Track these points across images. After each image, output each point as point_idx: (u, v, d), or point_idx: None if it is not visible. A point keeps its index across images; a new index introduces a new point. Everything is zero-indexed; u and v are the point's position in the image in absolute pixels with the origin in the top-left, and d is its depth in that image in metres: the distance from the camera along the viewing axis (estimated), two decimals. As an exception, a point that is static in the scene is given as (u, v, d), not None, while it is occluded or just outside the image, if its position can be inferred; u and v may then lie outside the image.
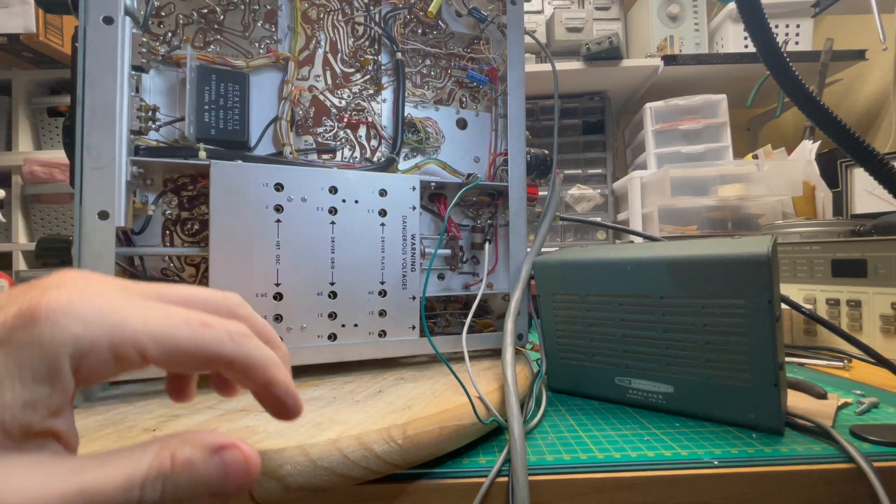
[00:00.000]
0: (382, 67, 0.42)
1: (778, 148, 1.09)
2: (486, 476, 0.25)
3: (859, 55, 1.16)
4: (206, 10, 0.36)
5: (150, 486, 0.14)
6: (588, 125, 1.33)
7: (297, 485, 0.22)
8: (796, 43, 1.22)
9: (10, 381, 0.13)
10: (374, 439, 0.24)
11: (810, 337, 0.57)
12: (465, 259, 0.44)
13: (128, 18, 0.31)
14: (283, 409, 0.18)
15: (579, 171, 1.30)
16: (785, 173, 0.95)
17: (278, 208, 0.34)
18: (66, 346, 0.13)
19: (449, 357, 0.43)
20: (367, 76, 0.41)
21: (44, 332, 0.13)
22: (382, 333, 0.38)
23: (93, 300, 0.14)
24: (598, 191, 1.27)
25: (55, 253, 0.36)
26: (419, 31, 0.44)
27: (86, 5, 0.30)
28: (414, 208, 0.39)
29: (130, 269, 0.34)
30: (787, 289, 0.61)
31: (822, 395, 0.35)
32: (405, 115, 0.42)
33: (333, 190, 0.36)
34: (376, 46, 0.42)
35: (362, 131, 0.41)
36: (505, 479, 0.25)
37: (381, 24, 0.41)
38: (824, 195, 0.99)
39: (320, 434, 0.24)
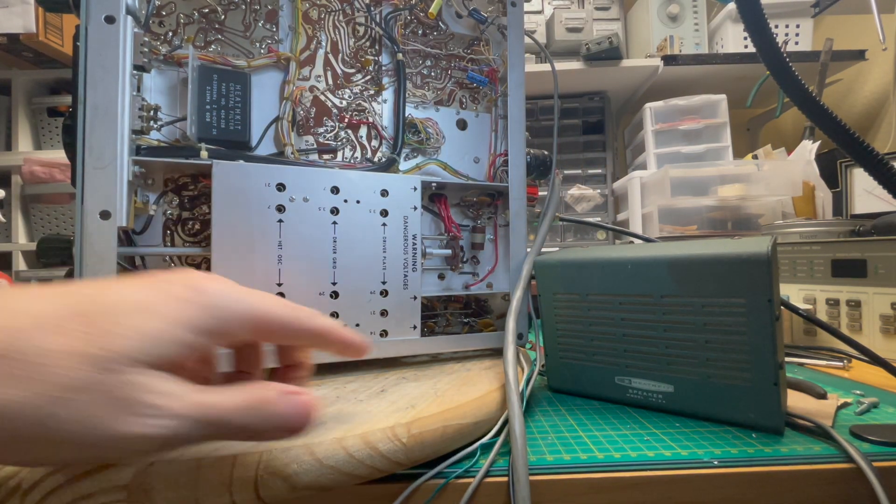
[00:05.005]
0: (383, 68, 0.42)
1: (778, 148, 1.09)
2: (487, 476, 0.25)
3: (859, 55, 1.16)
4: (207, 10, 0.36)
5: (246, 412, 0.18)
6: (588, 125, 1.33)
7: (303, 484, 0.22)
8: (796, 43, 1.22)
9: (183, 330, 0.17)
10: (379, 438, 0.24)
11: (810, 337, 0.57)
12: (465, 259, 0.44)
13: (129, 18, 0.31)
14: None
15: (579, 171, 1.30)
16: (785, 173, 0.95)
17: (280, 208, 0.34)
18: (224, 313, 0.19)
19: (449, 356, 0.43)
20: (368, 77, 0.41)
21: (214, 301, 0.19)
22: (384, 333, 0.38)
23: (232, 288, 0.20)
24: (598, 191, 1.27)
25: (56, 253, 0.36)
26: (420, 31, 0.44)
27: (87, 4, 0.30)
28: (415, 208, 0.39)
29: (131, 268, 0.34)
30: (787, 289, 0.61)
31: (821, 395, 0.36)
32: (406, 115, 0.42)
33: (335, 190, 0.36)
34: (377, 47, 0.42)
35: (363, 132, 0.41)
36: (505, 478, 0.26)
37: (381, 24, 0.41)
38: (824, 195, 0.99)
39: (325, 433, 0.24)
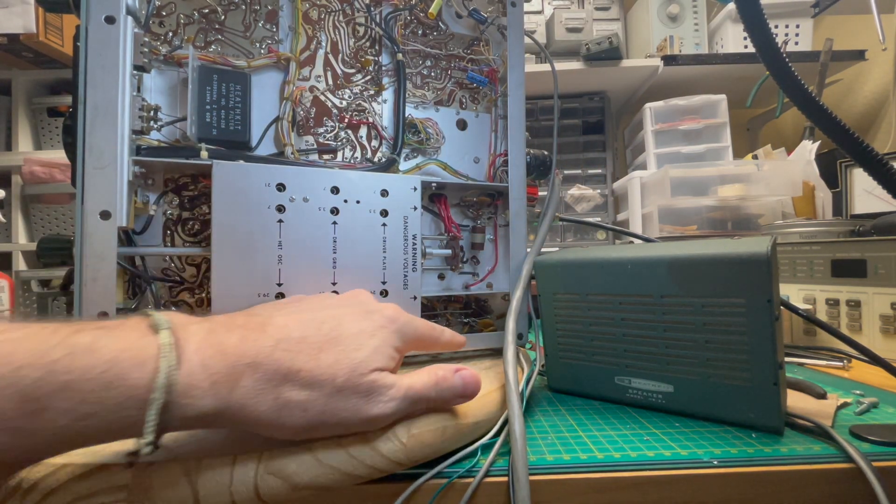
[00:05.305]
0: (383, 68, 0.42)
1: (778, 148, 1.09)
2: (487, 476, 0.25)
3: (859, 55, 1.16)
4: (207, 10, 0.36)
5: (432, 389, 0.26)
6: (588, 125, 1.33)
7: (303, 483, 0.22)
8: (796, 43, 1.22)
9: (390, 348, 0.26)
10: (378, 438, 0.24)
11: (810, 337, 0.57)
12: (465, 259, 0.44)
13: (129, 18, 0.31)
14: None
15: (579, 171, 1.30)
16: (785, 173, 0.95)
17: (280, 208, 0.34)
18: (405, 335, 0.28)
19: (449, 356, 0.43)
20: (368, 77, 0.41)
21: (400, 326, 0.28)
22: (383, 333, 0.38)
23: (406, 316, 0.29)
24: (598, 191, 1.27)
25: (56, 253, 0.36)
26: (420, 32, 0.44)
27: (87, 4, 0.30)
28: (415, 208, 0.39)
29: (132, 269, 0.34)
30: (786, 289, 0.62)
31: (821, 395, 0.36)
32: (406, 115, 0.42)
33: (335, 190, 0.36)
34: (377, 47, 0.42)
35: (363, 132, 0.41)
36: (505, 478, 0.26)
37: (381, 24, 0.41)
38: (824, 195, 0.99)
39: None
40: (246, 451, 0.23)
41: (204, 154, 0.34)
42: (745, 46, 1.19)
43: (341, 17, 0.41)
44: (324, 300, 0.29)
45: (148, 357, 0.19)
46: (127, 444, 0.20)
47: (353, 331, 0.25)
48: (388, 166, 0.40)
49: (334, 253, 0.36)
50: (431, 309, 0.44)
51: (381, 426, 0.25)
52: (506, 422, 0.29)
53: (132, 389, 0.19)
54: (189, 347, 0.21)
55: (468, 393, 0.28)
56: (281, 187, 0.34)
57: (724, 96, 1.13)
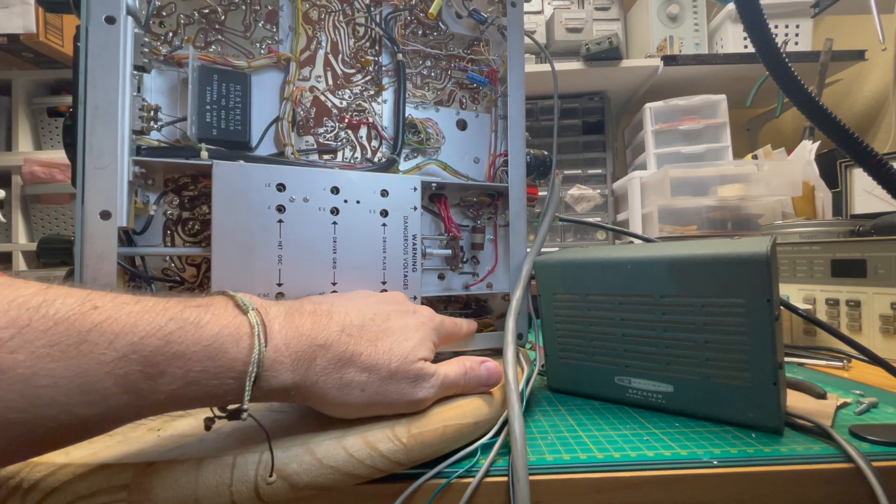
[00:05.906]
0: (383, 68, 0.42)
1: (778, 148, 1.09)
2: (487, 476, 0.25)
3: (859, 55, 1.16)
4: (207, 11, 0.36)
5: (462, 377, 0.30)
6: (588, 125, 1.33)
7: (303, 483, 0.22)
8: (796, 43, 1.22)
9: (429, 342, 0.30)
10: (379, 438, 0.24)
11: (810, 337, 0.57)
12: (465, 259, 0.44)
13: (129, 18, 0.31)
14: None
15: (579, 172, 1.30)
16: (785, 173, 0.95)
17: (280, 208, 0.34)
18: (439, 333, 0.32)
19: (449, 356, 0.43)
20: (368, 77, 0.41)
21: (437, 325, 0.32)
22: (383, 333, 0.38)
23: (438, 316, 0.33)
24: (598, 191, 1.27)
25: (56, 253, 0.36)
26: (420, 32, 0.44)
27: (87, 5, 0.30)
28: (415, 209, 0.39)
29: (132, 269, 0.34)
30: (786, 289, 0.62)
31: (821, 395, 0.36)
32: (406, 115, 0.42)
33: (335, 190, 0.36)
34: (377, 47, 0.42)
35: (363, 132, 0.41)
36: (505, 478, 0.26)
37: (381, 25, 0.41)
38: (824, 195, 0.99)
39: (326, 433, 0.24)
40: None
41: (204, 154, 0.34)
42: (745, 46, 1.19)
43: (341, 18, 0.41)
44: (367, 296, 0.32)
45: (243, 334, 0.22)
46: (204, 410, 0.22)
47: (400, 325, 0.29)
48: (388, 166, 0.40)
49: (334, 253, 0.36)
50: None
51: (422, 408, 0.28)
52: (506, 422, 0.29)
53: (231, 362, 0.21)
54: (273, 328, 0.23)
55: (491, 383, 0.31)
56: (281, 187, 0.34)
57: (724, 96, 1.13)
